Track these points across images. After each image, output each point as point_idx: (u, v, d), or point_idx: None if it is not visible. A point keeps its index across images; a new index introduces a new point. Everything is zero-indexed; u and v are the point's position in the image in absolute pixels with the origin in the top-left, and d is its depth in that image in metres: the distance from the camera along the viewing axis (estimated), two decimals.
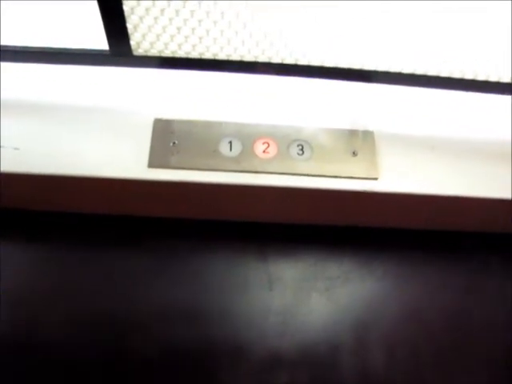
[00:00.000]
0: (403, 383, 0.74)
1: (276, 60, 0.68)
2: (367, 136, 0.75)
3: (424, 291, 0.80)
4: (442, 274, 0.81)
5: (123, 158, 0.72)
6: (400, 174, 0.73)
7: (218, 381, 0.72)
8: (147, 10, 0.62)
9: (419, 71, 0.69)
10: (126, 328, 0.75)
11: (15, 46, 0.68)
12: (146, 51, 0.68)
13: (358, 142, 0.75)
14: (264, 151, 0.74)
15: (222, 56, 0.68)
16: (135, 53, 0.68)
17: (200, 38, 0.66)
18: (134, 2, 0.61)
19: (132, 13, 0.62)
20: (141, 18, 0.63)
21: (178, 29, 0.64)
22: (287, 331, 0.75)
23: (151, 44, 0.67)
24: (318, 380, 0.73)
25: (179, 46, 0.67)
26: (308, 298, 0.78)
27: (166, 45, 0.67)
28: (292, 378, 0.72)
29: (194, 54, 0.68)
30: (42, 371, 0.71)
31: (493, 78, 0.69)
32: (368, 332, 0.76)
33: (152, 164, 0.72)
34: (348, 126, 0.76)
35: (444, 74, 0.69)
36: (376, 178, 0.73)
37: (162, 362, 0.72)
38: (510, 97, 0.73)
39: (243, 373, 0.72)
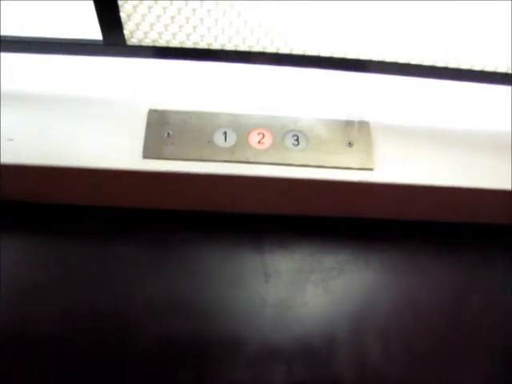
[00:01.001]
0: (400, 375, 0.74)
1: (271, 49, 0.68)
2: (363, 126, 0.75)
3: (420, 282, 0.80)
4: (439, 265, 0.81)
5: (118, 148, 0.72)
6: (396, 165, 0.73)
7: (213, 373, 0.72)
8: None
9: (414, 61, 0.69)
10: (121, 320, 0.75)
11: (7, 36, 0.67)
12: (139, 41, 0.67)
13: (354, 132, 0.75)
14: (259, 142, 0.73)
15: (216, 46, 0.67)
16: (129, 42, 0.67)
17: (194, 27, 0.65)
18: None
19: (125, 1, 0.62)
20: (134, 7, 0.62)
21: (172, 18, 0.64)
22: (283, 323, 0.75)
23: (145, 33, 0.66)
24: (314, 372, 0.73)
25: (173, 35, 0.66)
26: (304, 290, 0.78)
27: (159, 34, 0.66)
28: (288, 370, 0.72)
29: (189, 44, 0.67)
30: (39, 364, 0.71)
31: (489, 68, 0.69)
32: (364, 323, 0.76)
33: (146, 155, 0.71)
34: (344, 117, 0.76)
35: (440, 63, 0.69)
36: (372, 169, 0.73)
37: (157, 355, 0.72)
38: (506, 87, 0.73)
39: (239, 365, 0.72)
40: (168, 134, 0.73)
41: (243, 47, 0.68)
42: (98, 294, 0.76)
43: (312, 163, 0.72)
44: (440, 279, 0.80)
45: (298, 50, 0.68)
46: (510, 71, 0.69)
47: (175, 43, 0.67)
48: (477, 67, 0.69)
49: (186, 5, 0.62)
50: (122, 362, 0.72)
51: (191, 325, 0.74)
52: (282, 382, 0.71)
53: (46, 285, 0.76)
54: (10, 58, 0.72)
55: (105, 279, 0.77)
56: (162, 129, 0.73)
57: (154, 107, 0.74)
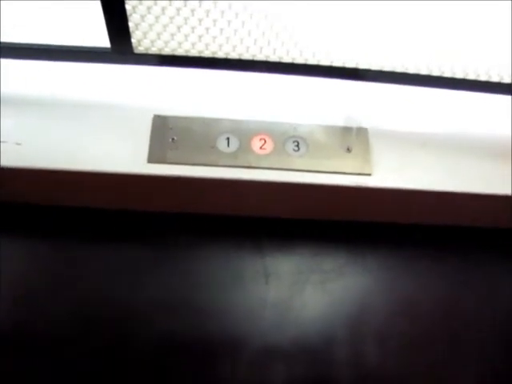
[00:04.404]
0: (396, 374, 0.75)
1: (273, 59, 0.70)
2: (361, 133, 0.77)
3: (416, 284, 0.81)
4: (434, 267, 0.83)
5: (123, 153, 0.73)
6: (393, 170, 0.75)
7: (215, 372, 0.73)
8: (148, 8, 0.63)
9: (411, 70, 0.71)
10: (124, 321, 0.76)
11: (19, 43, 0.69)
12: (146, 49, 0.69)
13: (352, 138, 0.76)
14: (261, 147, 0.75)
15: (220, 54, 0.69)
16: (136, 51, 0.69)
17: (199, 37, 0.67)
18: (136, 1, 0.62)
19: (134, 11, 0.64)
20: (142, 17, 0.64)
21: (178, 27, 0.66)
22: (283, 323, 0.77)
23: (152, 42, 0.68)
24: (313, 371, 0.74)
25: (179, 44, 0.68)
26: (303, 291, 0.79)
27: (166, 43, 0.68)
28: (288, 369, 0.74)
29: (194, 52, 0.69)
30: (40, 365, 0.72)
31: (483, 78, 0.71)
32: (362, 324, 0.78)
33: (151, 159, 0.73)
34: (342, 123, 0.78)
35: (435, 72, 0.71)
36: (369, 174, 0.75)
37: (159, 355, 0.73)
38: (498, 96, 0.75)
39: (240, 364, 0.73)
40: (172, 139, 0.74)
41: (246, 56, 0.70)
42: (100, 295, 0.77)
43: (312, 168, 0.74)
44: (436, 282, 0.82)
45: (299, 60, 0.70)
46: (502, 81, 0.71)
47: (181, 52, 0.69)
48: (471, 76, 0.71)
49: (193, 15, 0.64)
50: (123, 362, 0.73)
51: (193, 325, 0.76)
52: (281, 382, 0.73)
53: (48, 286, 0.78)
54: (18, 64, 0.74)
55: (108, 281, 0.78)
56: (166, 134, 0.75)
57: (158, 113, 0.76)
